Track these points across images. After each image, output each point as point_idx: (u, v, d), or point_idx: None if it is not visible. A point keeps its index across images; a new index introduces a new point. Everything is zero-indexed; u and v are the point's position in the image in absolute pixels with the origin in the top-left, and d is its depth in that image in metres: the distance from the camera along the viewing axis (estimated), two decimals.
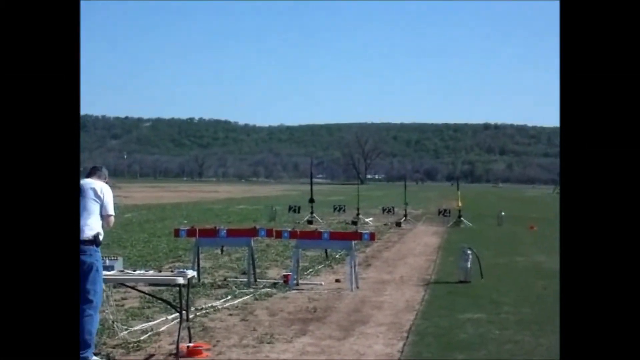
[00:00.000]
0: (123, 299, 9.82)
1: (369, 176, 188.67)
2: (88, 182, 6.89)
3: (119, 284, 8.34)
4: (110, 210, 6.90)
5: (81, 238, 6.46)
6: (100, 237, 6.70)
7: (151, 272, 8.13)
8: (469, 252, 12.24)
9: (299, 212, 30.51)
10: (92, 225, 6.61)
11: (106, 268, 7.08)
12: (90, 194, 6.75)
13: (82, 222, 6.51)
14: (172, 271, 8.62)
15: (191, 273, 7.78)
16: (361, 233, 12.52)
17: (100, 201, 6.78)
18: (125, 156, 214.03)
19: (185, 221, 24.87)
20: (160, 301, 8.74)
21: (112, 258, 7.55)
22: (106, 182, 7.13)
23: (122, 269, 7.80)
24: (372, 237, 12.56)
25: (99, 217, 6.76)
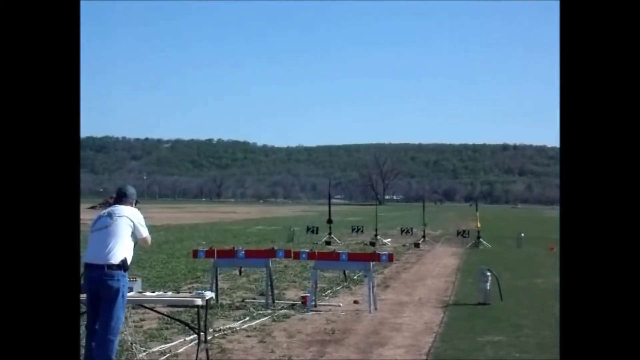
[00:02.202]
0: (141, 320, 9.85)
1: (387, 197, 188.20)
2: (117, 208, 6.92)
3: (138, 305, 8.37)
4: (144, 233, 6.98)
5: (109, 263, 6.51)
6: (128, 262, 6.73)
7: (169, 293, 8.15)
8: (488, 273, 12.15)
9: (317, 232, 30.45)
10: (120, 251, 6.63)
11: None
12: (120, 219, 6.77)
13: (110, 247, 6.56)
14: (190, 292, 8.64)
15: (209, 294, 7.80)
16: (379, 254, 12.48)
17: (131, 226, 6.82)
18: (145, 177, 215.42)
19: (204, 242, 24.94)
20: (178, 322, 8.75)
21: (131, 279, 7.58)
22: (136, 203, 7.18)
23: (140, 290, 7.83)
24: (390, 258, 12.52)
25: (129, 242, 6.78)
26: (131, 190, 7.21)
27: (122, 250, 6.64)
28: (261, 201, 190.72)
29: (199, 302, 7.36)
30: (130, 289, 7.33)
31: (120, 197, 7.07)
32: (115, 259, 6.55)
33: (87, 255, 6.61)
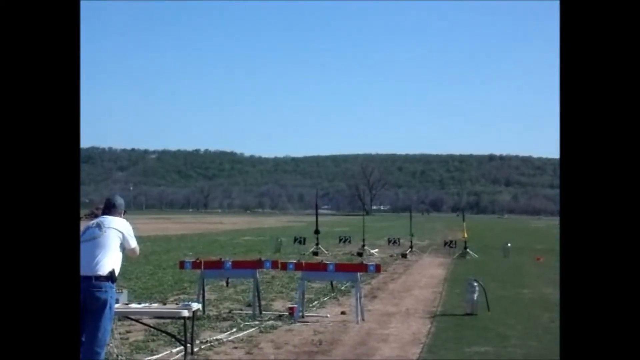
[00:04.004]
0: (127, 332, 9.77)
1: (374, 207, 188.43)
2: (106, 219, 6.91)
3: (124, 316, 8.32)
4: (133, 244, 7.00)
5: (97, 274, 6.47)
6: (116, 273, 6.70)
7: (156, 304, 8.13)
8: (475, 284, 12.18)
9: (304, 243, 30.40)
10: (109, 262, 6.61)
11: None
12: (109, 231, 6.77)
13: (98, 259, 6.53)
14: (177, 304, 8.60)
15: (196, 306, 7.78)
16: (367, 265, 12.48)
17: (120, 237, 6.82)
18: (132, 188, 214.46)
19: (191, 253, 24.84)
20: (164, 334, 8.71)
21: (117, 291, 7.55)
22: (124, 213, 7.18)
23: (127, 302, 7.79)
24: (377, 268, 12.52)
25: (117, 253, 6.78)
26: (120, 201, 7.21)
27: (110, 261, 6.62)
28: (248, 212, 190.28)
29: (185, 313, 7.33)
30: (117, 301, 7.30)
31: (109, 208, 7.07)
32: (103, 271, 6.52)
33: None
